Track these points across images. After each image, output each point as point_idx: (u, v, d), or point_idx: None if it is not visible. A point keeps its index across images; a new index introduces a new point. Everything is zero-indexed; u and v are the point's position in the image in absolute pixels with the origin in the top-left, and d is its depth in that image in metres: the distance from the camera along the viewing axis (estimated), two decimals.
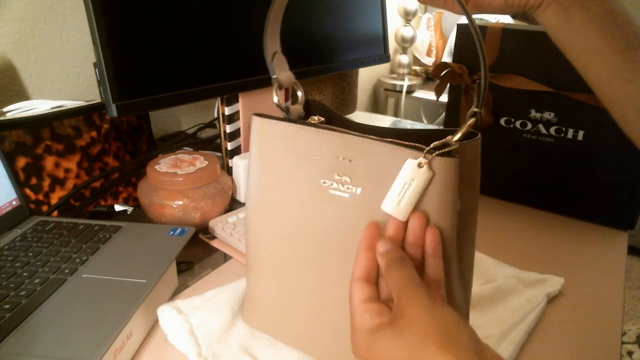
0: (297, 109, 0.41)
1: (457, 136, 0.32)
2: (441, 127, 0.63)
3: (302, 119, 0.40)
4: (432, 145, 0.32)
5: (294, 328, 0.42)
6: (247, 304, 0.45)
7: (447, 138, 0.32)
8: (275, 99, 0.39)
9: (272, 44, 0.39)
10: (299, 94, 0.41)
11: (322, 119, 0.40)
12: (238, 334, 0.44)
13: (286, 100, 0.82)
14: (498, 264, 0.58)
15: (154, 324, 0.47)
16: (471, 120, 0.33)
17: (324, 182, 0.37)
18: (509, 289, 0.53)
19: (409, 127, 1.22)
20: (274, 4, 0.37)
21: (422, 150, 0.32)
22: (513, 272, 0.56)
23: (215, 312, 0.45)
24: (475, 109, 0.33)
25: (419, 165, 0.32)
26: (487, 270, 0.57)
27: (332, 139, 0.36)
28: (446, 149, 0.32)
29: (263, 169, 0.40)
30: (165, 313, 0.44)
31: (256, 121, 0.39)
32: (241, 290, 0.48)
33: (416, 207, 0.33)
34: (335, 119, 0.41)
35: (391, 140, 0.34)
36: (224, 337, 0.43)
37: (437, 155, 0.32)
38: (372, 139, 0.35)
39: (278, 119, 0.38)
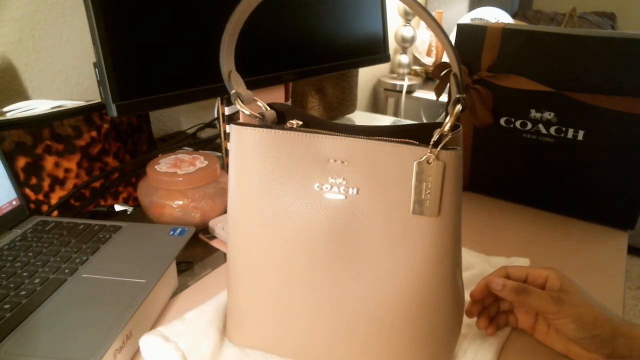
0: (271, 114, 0.40)
1: (448, 125, 0.33)
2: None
3: (279, 125, 0.39)
4: (432, 140, 0.33)
5: (290, 338, 0.40)
6: (233, 322, 0.43)
7: (439, 130, 0.33)
8: (247, 111, 0.38)
9: (227, 63, 0.39)
10: (259, 104, 0.40)
11: (300, 122, 0.38)
12: (229, 354, 0.42)
13: (286, 100, 0.82)
14: (468, 252, 0.59)
15: (154, 324, 0.47)
16: (457, 107, 0.34)
17: (317, 187, 0.36)
18: (485, 274, 0.53)
19: None
20: (228, 28, 0.37)
21: (420, 146, 0.33)
22: (483, 259, 0.58)
23: (203, 335, 0.43)
24: (458, 95, 0.34)
25: (428, 162, 0.33)
26: (463, 258, 0.57)
27: (323, 142, 0.36)
28: (444, 141, 0.33)
29: (248, 181, 0.38)
30: (151, 343, 0.41)
31: (236, 131, 0.37)
32: (222, 307, 0.46)
33: (440, 201, 0.34)
34: (312, 122, 0.40)
35: (388, 139, 0.34)
36: (217, 359, 0.42)
37: (441, 149, 0.33)
38: (367, 139, 0.35)
39: (262, 127, 0.37)
